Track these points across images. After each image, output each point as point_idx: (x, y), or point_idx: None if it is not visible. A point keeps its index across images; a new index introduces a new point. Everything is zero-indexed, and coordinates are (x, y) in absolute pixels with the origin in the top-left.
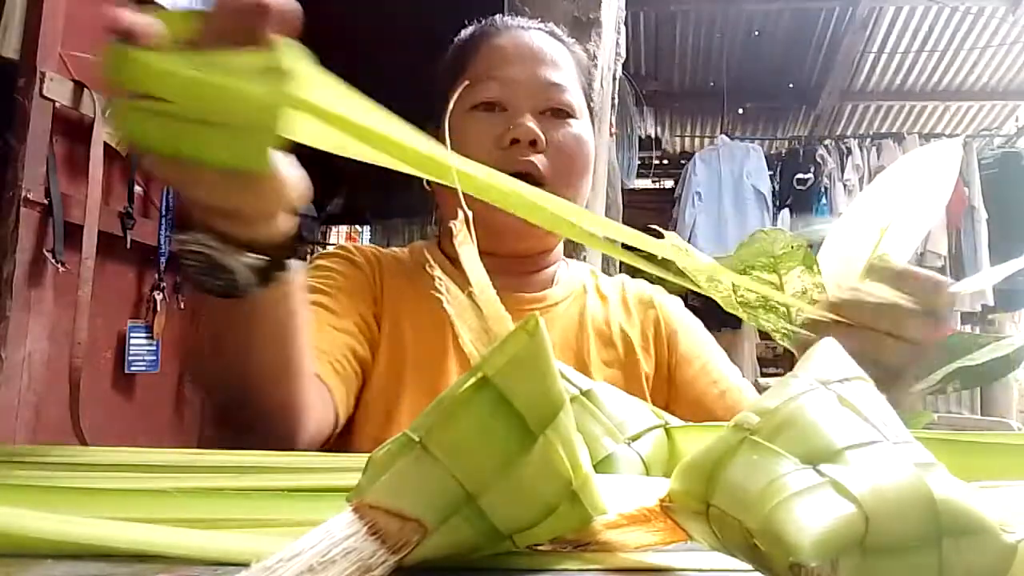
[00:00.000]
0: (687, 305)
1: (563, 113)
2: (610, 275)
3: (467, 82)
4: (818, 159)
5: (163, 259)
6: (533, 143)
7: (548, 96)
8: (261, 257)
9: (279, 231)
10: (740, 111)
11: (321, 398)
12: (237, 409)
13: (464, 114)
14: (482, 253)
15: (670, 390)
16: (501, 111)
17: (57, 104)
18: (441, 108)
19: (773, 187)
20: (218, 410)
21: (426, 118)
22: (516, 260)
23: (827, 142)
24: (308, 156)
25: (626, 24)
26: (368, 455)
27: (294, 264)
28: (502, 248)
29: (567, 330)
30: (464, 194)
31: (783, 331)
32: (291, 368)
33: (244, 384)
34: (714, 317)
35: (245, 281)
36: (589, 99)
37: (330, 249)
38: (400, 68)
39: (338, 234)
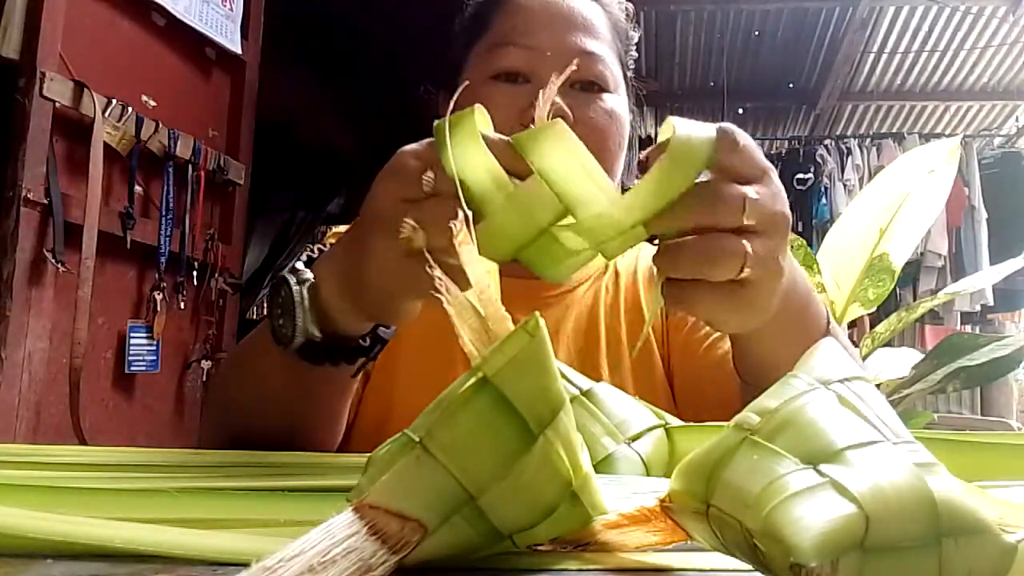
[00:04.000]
0: None
1: (595, 86)
2: None
3: (487, 47)
4: (818, 159)
5: (163, 259)
6: None
7: (578, 67)
8: (330, 337)
9: (360, 334)
10: (740, 111)
11: None
12: (255, 438)
13: (482, 83)
14: None
15: (671, 354)
16: (524, 82)
17: (57, 104)
18: (456, 71)
19: None
20: (229, 430)
21: (439, 79)
22: None
23: (827, 142)
24: (308, 156)
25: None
26: (368, 455)
27: (347, 364)
28: None
29: (581, 317)
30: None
31: None
32: (319, 432)
33: (269, 429)
34: None
35: (296, 341)
36: (625, 67)
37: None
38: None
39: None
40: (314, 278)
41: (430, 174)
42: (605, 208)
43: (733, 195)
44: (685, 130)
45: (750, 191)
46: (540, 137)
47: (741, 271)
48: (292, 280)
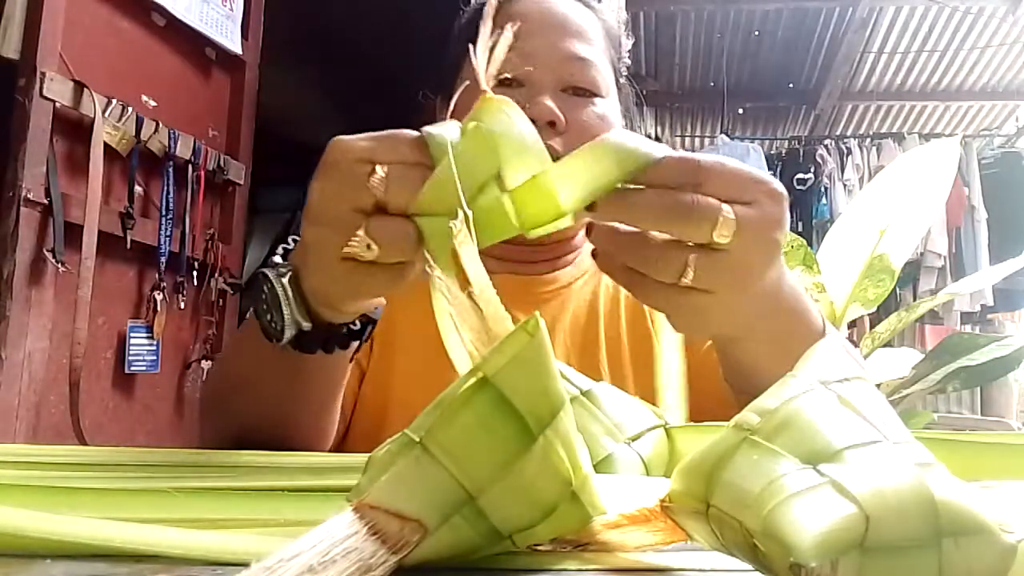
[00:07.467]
0: None
1: (587, 91)
2: None
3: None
4: (818, 159)
5: (163, 259)
6: (552, 124)
7: (571, 72)
8: (320, 325)
9: (349, 318)
10: (740, 111)
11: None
12: (250, 436)
13: (477, 90)
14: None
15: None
16: (518, 87)
17: (57, 104)
18: (452, 79)
19: None
20: (227, 433)
21: (437, 84)
22: (534, 247)
23: (827, 142)
24: (308, 156)
25: (626, 25)
26: (368, 455)
27: (341, 349)
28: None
29: (579, 313)
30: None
31: None
32: (317, 420)
33: (266, 425)
34: None
35: (287, 334)
36: (618, 73)
37: None
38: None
39: None
40: (294, 269)
41: (378, 178)
42: (540, 174)
43: (709, 207)
44: (623, 136)
45: (727, 208)
46: (487, 107)
47: (681, 278)
48: (272, 275)
